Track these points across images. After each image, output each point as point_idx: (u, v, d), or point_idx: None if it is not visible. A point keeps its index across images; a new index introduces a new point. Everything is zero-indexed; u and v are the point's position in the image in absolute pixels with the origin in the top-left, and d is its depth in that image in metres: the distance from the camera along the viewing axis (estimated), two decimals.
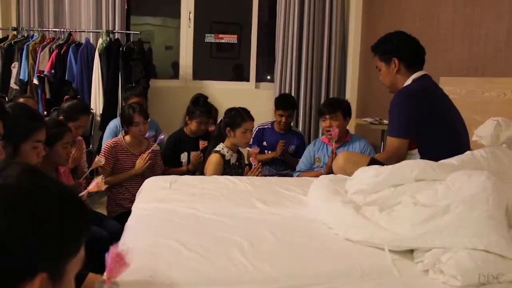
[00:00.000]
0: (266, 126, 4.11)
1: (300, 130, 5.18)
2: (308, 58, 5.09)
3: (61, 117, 3.00)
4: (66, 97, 3.46)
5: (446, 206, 1.41)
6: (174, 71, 5.62)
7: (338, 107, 3.35)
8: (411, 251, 1.44)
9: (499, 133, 2.44)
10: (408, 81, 2.29)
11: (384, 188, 1.74)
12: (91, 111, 4.52)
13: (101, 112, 4.49)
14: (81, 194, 2.09)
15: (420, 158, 2.11)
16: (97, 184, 2.11)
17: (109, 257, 1.04)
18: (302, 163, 3.52)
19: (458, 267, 1.23)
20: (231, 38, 5.52)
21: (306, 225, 1.73)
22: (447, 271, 1.24)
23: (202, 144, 3.49)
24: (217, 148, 3.00)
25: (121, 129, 3.56)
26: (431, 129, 2.16)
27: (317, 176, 2.82)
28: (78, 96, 4.21)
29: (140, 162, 3.15)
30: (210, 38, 5.43)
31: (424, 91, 2.25)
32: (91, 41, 4.68)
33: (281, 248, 1.50)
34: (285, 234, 1.63)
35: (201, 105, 3.64)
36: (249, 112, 3.12)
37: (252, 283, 1.24)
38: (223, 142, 3.02)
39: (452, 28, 3.53)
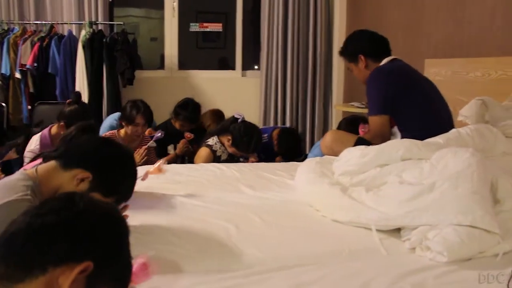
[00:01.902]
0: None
1: (288, 117, 5.17)
2: (294, 44, 5.06)
3: (61, 123, 2.94)
4: (68, 101, 3.40)
5: (431, 184, 1.42)
6: (160, 62, 5.57)
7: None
8: (398, 229, 1.44)
9: (483, 112, 2.45)
10: (382, 63, 2.37)
11: (370, 168, 1.74)
12: None
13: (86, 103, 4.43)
14: (141, 176, 2.03)
15: (401, 136, 2.13)
16: (158, 167, 2.07)
17: (135, 264, 1.03)
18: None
19: (444, 244, 1.23)
20: (216, 27, 5.48)
21: (293, 208, 1.73)
22: (434, 248, 1.24)
23: (188, 136, 3.46)
24: (209, 142, 2.96)
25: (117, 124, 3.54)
26: (407, 103, 2.20)
27: None
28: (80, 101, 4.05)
29: (137, 157, 3.10)
30: (195, 27, 5.38)
31: (397, 68, 2.33)
32: (73, 33, 4.60)
33: (267, 231, 1.50)
34: (272, 217, 1.62)
35: (188, 111, 3.58)
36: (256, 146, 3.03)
37: (239, 267, 1.23)
38: (218, 136, 2.97)
39: (436, 11, 3.53)
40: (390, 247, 1.36)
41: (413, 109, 2.19)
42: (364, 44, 2.43)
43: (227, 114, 5.08)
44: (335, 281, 1.14)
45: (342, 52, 2.53)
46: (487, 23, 3.01)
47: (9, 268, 0.74)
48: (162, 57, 5.37)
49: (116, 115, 3.85)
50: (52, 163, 1.36)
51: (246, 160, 3.04)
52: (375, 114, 2.24)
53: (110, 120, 3.90)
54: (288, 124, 5.18)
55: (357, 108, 3.89)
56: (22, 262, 0.75)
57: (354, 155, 1.79)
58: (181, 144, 3.47)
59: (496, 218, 1.32)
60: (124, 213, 1.47)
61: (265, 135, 3.62)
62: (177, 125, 3.61)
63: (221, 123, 3.16)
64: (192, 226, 1.53)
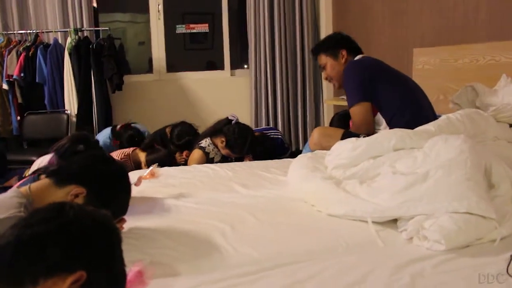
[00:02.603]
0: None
1: (279, 114, 5.15)
2: (281, 41, 5.05)
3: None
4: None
5: (425, 173, 1.40)
6: (149, 66, 5.54)
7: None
8: (394, 221, 1.43)
9: (474, 98, 2.45)
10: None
11: (363, 160, 1.72)
12: (66, 112, 4.44)
13: (76, 112, 4.40)
14: (134, 182, 2.01)
15: (386, 121, 2.14)
16: (151, 172, 2.07)
17: (130, 272, 1.01)
18: None
19: (441, 232, 1.22)
20: (203, 27, 5.45)
21: (287, 205, 1.71)
22: (431, 237, 1.23)
23: (185, 154, 3.33)
24: (202, 144, 2.93)
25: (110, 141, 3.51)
26: (384, 85, 2.25)
27: None
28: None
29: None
30: (181, 29, 5.36)
31: (370, 60, 2.41)
32: (59, 41, 4.56)
33: (262, 230, 1.48)
34: (266, 215, 1.60)
35: (180, 144, 3.36)
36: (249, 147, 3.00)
37: (235, 267, 1.21)
38: (211, 138, 2.95)
39: (420, 1, 3.53)
40: (387, 238, 1.35)
41: (390, 90, 2.25)
42: (345, 41, 2.49)
43: (218, 114, 5.06)
44: (332, 276, 1.12)
45: (318, 48, 2.54)
46: (473, 10, 3.01)
47: (0, 282, 0.72)
48: (149, 61, 5.34)
49: (108, 132, 3.76)
50: (46, 180, 1.35)
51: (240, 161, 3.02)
52: (356, 103, 2.25)
53: (102, 138, 3.80)
54: (280, 122, 5.15)
55: (344, 100, 3.87)
56: (13, 275, 0.73)
57: (345, 148, 1.78)
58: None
59: (492, 203, 1.31)
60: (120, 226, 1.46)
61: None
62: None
63: (214, 124, 3.12)
64: (186, 228, 1.51)
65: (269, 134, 3.44)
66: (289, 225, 1.52)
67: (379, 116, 2.21)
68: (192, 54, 6.16)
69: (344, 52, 2.43)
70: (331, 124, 3.28)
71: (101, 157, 1.53)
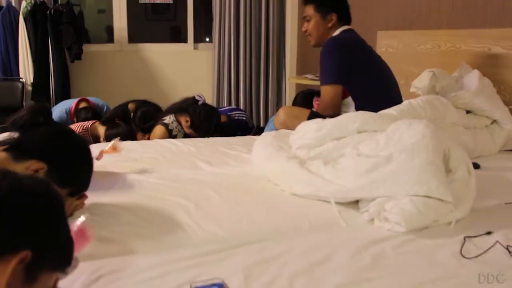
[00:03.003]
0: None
1: (241, 89, 5.12)
2: (246, 16, 5.01)
3: None
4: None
5: (388, 155, 1.44)
6: (108, 36, 5.37)
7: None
8: (356, 202, 1.46)
9: (434, 83, 2.52)
10: (336, 33, 2.36)
11: (327, 141, 1.75)
12: (21, 80, 4.26)
13: (31, 81, 4.23)
14: (95, 156, 1.94)
15: (355, 106, 2.16)
16: (113, 145, 2.00)
17: (72, 230, 0.98)
18: None
19: (402, 214, 1.26)
20: None
21: (252, 183, 1.72)
22: (392, 219, 1.27)
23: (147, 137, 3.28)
24: (166, 121, 2.89)
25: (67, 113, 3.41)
26: (361, 76, 2.24)
27: None
28: None
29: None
30: None
31: (354, 41, 2.34)
32: (13, 3, 4.34)
33: (227, 208, 1.49)
34: (231, 193, 1.61)
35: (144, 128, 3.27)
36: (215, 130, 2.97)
37: (200, 245, 1.22)
38: (175, 115, 2.91)
39: None
40: (349, 219, 1.38)
41: (366, 78, 2.25)
42: (341, 5, 2.39)
43: (180, 88, 5.01)
44: (297, 255, 1.14)
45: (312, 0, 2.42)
46: None
47: None
48: (109, 30, 5.18)
49: (64, 105, 3.64)
50: (2, 154, 1.29)
51: None
52: (328, 83, 2.25)
53: (59, 110, 3.69)
54: (242, 98, 5.14)
55: (310, 80, 3.91)
56: None
57: (310, 128, 1.80)
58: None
59: (449, 187, 1.37)
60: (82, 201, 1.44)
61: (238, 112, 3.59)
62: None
63: (180, 102, 3.07)
64: (150, 205, 1.50)
65: (233, 115, 3.43)
66: (254, 203, 1.53)
67: (349, 99, 2.23)
68: (153, 24, 6.01)
69: (334, 17, 2.36)
70: (294, 103, 3.29)
71: (62, 131, 1.48)
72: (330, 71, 2.27)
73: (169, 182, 1.73)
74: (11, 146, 1.35)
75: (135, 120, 3.26)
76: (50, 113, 1.83)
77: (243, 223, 1.37)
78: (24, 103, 4.25)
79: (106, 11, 5.54)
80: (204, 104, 3.01)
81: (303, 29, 2.47)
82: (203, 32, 5.58)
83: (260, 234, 1.28)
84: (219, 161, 2.04)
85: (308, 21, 2.42)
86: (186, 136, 2.95)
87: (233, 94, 5.14)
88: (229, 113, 3.52)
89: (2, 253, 0.65)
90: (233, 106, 5.05)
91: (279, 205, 1.51)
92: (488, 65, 2.56)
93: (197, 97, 3.02)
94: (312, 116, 2.04)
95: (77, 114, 3.52)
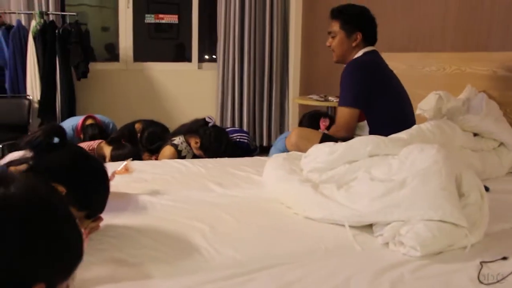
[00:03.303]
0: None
1: (245, 108, 5.15)
2: (251, 36, 5.07)
3: None
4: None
5: (402, 180, 1.46)
6: (110, 53, 5.43)
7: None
8: (370, 225, 1.48)
9: (441, 106, 2.55)
10: (359, 54, 2.35)
11: (339, 165, 1.77)
12: (28, 97, 4.30)
13: (39, 98, 4.27)
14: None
15: (369, 130, 2.18)
16: (125, 166, 2.05)
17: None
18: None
19: (417, 239, 1.28)
20: (172, 18, 5.39)
21: (265, 206, 1.73)
22: (407, 243, 1.29)
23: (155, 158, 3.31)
24: (176, 141, 2.91)
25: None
26: (381, 101, 2.24)
27: None
28: None
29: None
30: (150, 18, 5.28)
31: (376, 64, 2.34)
32: (22, 23, 4.41)
33: (242, 231, 1.50)
34: (245, 216, 1.62)
35: (151, 149, 3.31)
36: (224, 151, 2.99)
37: (218, 269, 1.23)
38: (184, 136, 2.93)
39: (392, 7, 3.62)
40: (364, 243, 1.39)
41: (384, 105, 2.25)
42: (367, 25, 2.36)
43: (184, 107, 5.05)
44: (317, 280, 1.15)
45: (340, 14, 2.38)
46: (441, 21, 3.12)
47: None
48: (110, 47, 5.22)
49: (71, 123, 3.67)
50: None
51: None
52: (347, 105, 2.25)
53: (66, 127, 3.71)
54: (245, 117, 5.16)
55: (315, 101, 3.94)
56: None
57: (322, 151, 1.82)
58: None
59: (463, 212, 1.38)
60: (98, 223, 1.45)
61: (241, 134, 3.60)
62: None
63: (190, 123, 3.09)
64: (165, 227, 1.51)
65: (235, 137, 3.43)
66: (268, 226, 1.54)
67: (364, 122, 2.25)
68: (157, 43, 6.07)
69: (359, 36, 2.34)
70: (300, 124, 3.31)
71: (80, 154, 1.50)
72: (349, 94, 2.26)
73: (181, 204, 1.75)
74: (29, 168, 1.36)
75: (142, 141, 3.28)
76: (65, 134, 1.85)
77: (259, 246, 1.38)
78: (30, 120, 4.28)
79: (110, 29, 5.62)
80: (214, 126, 3.03)
81: (327, 44, 2.44)
82: (205, 50, 5.64)
83: (277, 258, 1.29)
84: (229, 183, 2.05)
85: (333, 37, 2.40)
86: (195, 157, 2.96)
87: (237, 114, 5.18)
88: (230, 135, 3.53)
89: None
90: (236, 126, 5.08)
91: (293, 228, 1.53)
92: (493, 88, 2.60)
93: (207, 119, 3.04)
94: (324, 139, 2.06)
95: (83, 131, 3.55)
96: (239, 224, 1.55)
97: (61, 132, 1.90)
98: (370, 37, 2.39)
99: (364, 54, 2.38)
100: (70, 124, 3.64)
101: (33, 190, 0.72)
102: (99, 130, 3.53)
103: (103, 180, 1.46)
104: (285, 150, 3.18)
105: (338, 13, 2.39)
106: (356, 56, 2.38)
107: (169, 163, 2.48)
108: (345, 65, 2.36)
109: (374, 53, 2.39)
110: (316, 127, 2.91)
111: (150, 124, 3.42)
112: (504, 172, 2.23)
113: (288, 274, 1.19)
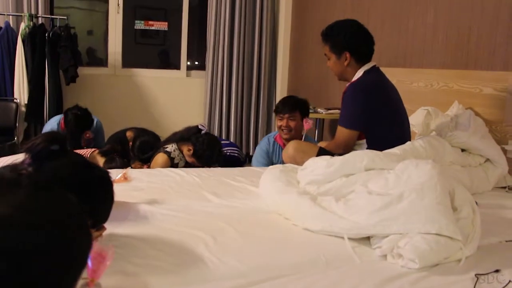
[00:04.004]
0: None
1: (232, 118, 5.20)
2: (240, 46, 5.12)
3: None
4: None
5: (399, 195, 1.51)
6: (89, 58, 5.42)
7: (297, 106, 3.18)
8: (368, 238, 1.52)
9: (429, 121, 2.63)
10: (359, 73, 2.34)
11: (335, 178, 1.82)
12: (15, 100, 4.26)
13: (26, 101, 4.24)
14: None
15: (368, 148, 2.22)
16: (124, 175, 2.05)
17: (91, 257, 1.01)
18: (259, 163, 3.23)
19: (415, 251, 1.33)
20: (162, 25, 5.41)
21: (263, 217, 1.77)
22: (406, 255, 1.34)
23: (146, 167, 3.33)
24: (168, 149, 2.93)
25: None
26: (381, 121, 2.27)
27: None
28: None
29: None
30: (140, 24, 5.29)
31: (376, 84, 2.33)
32: (11, 25, 4.37)
33: (243, 242, 1.53)
34: (244, 226, 1.65)
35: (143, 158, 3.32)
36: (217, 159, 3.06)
37: (224, 279, 1.26)
38: (177, 144, 2.96)
39: (381, 21, 3.71)
40: (363, 255, 1.44)
41: (384, 125, 2.27)
42: (355, 42, 2.33)
43: (172, 114, 5.06)
44: None
45: (327, 38, 2.38)
46: (429, 36, 3.21)
47: None
48: (91, 51, 5.21)
49: (58, 118, 3.72)
50: None
51: None
52: (347, 127, 2.27)
53: (52, 124, 3.75)
54: (232, 125, 5.20)
55: None
56: None
57: (320, 165, 1.87)
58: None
59: (457, 226, 1.44)
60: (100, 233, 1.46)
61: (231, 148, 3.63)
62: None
63: (182, 131, 3.11)
64: (167, 237, 1.53)
65: (226, 151, 3.46)
66: (267, 237, 1.58)
67: (363, 141, 2.29)
68: (142, 48, 6.06)
69: (348, 55, 2.32)
70: None
71: (84, 163, 1.51)
72: (350, 116, 2.28)
73: (181, 214, 1.77)
74: (31, 176, 1.37)
75: (134, 150, 3.28)
76: (66, 142, 1.86)
77: (260, 257, 1.42)
78: (17, 124, 4.24)
79: (93, 32, 5.61)
80: (207, 134, 3.06)
81: (327, 64, 2.45)
82: (192, 57, 5.65)
83: (279, 269, 1.33)
84: (225, 193, 2.08)
85: (328, 59, 2.42)
86: (187, 164, 2.98)
87: (224, 122, 5.22)
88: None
89: None
90: (223, 134, 5.12)
91: (292, 240, 1.57)
92: (479, 105, 2.69)
93: (200, 127, 3.07)
94: (321, 153, 2.10)
95: (65, 119, 3.60)
96: (239, 234, 1.58)
97: (61, 139, 1.91)
98: (361, 54, 2.36)
99: (364, 73, 2.34)
100: (55, 122, 3.69)
101: (43, 190, 0.70)
102: (83, 112, 3.62)
103: (109, 189, 1.47)
104: (267, 148, 3.24)
105: (326, 37, 2.40)
106: (357, 76, 2.36)
107: (163, 172, 2.50)
108: (347, 85, 2.38)
109: (374, 70, 2.37)
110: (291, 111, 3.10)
111: (141, 133, 3.42)
112: (490, 187, 2.31)
113: (290, 285, 1.23)
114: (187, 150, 2.93)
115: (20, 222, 0.60)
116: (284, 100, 3.30)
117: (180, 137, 3.00)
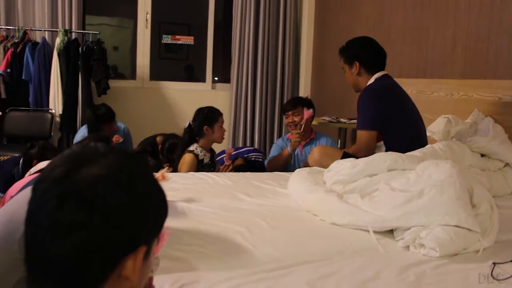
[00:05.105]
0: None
1: (257, 128, 5.36)
2: (264, 59, 5.28)
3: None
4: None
5: (420, 191, 1.63)
6: (112, 72, 5.65)
7: (299, 102, 3.51)
8: (391, 231, 1.64)
9: (449, 128, 2.73)
10: (371, 80, 2.53)
11: (360, 178, 1.94)
12: (50, 111, 4.48)
13: (60, 112, 4.45)
14: None
15: (386, 149, 2.35)
16: (162, 174, 2.10)
17: None
18: (274, 151, 3.60)
19: (436, 241, 1.44)
20: (188, 40, 5.62)
21: (293, 214, 1.90)
22: (427, 244, 1.45)
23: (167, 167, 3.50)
24: (191, 148, 3.10)
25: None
26: (394, 122, 2.40)
27: (285, 155, 3.25)
28: None
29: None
30: (167, 39, 5.50)
31: (386, 88, 2.52)
32: (47, 40, 4.62)
33: (276, 233, 1.66)
34: (276, 221, 1.78)
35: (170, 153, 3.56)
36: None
37: (261, 263, 1.39)
38: (197, 143, 3.13)
39: (402, 34, 3.83)
40: (386, 246, 1.56)
41: (400, 126, 2.41)
42: (364, 53, 2.56)
43: None
44: (349, 273, 1.32)
45: (341, 52, 2.65)
46: (449, 47, 3.33)
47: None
48: (114, 67, 5.43)
49: (84, 130, 3.90)
50: None
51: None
52: (364, 129, 2.42)
53: (83, 131, 3.95)
54: (256, 138, 5.36)
55: (328, 122, 4.12)
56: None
57: (345, 166, 1.99)
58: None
59: (476, 219, 1.55)
60: None
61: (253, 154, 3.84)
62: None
63: (183, 135, 3.27)
64: (207, 229, 1.67)
65: (250, 156, 3.67)
66: (298, 230, 1.71)
67: (381, 143, 2.42)
68: (167, 63, 6.28)
69: (357, 65, 2.55)
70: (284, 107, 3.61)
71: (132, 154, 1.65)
72: (366, 118, 2.44)
73: (217, 211, 1.91)
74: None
75: (163, 151, 3.46)
76: (110, 142, 2.02)
77: (293, 246, 1.55)
78: (52, 133, 4.46)
79: (119, 48, 5.85)
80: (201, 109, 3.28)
81: (346, 78, 2.69)
82: (217, 73, 5.84)
83: (310, 256, 1.46)
84: (256, 193, 2.22)
85: (345, 72, 2.66)
86: (211, 160, 3.18)
87: (248, 134, 5.36)
88: (245, 155, 3.74)
89: (133, 250, 0.71)
90: (248, 145, 5.26)
91: (321, 232, 1.69)
92: (498, 113, 2.78)
93: (188, 123, 3.26)
94: (346, 156, 2.23)
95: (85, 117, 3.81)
96: (272, 227, 1.72)
97: (105, 138, 2.07)
98: (370, 64, 2.57)
99: (376, 80, 2.55)
100: (84, 130, 3.87)
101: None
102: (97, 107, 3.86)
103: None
104: (282, 144, 3.58)
105: (341, 51, 2.67)
106: (369, 82, 2.56)
107: (195, 175, 2.65)
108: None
109: (385, 78, 2.56)
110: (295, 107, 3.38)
111: (170, 137, 3.60)
112: (509, 191, 2.40)
113: (322, 268, 1.36)
114: (210, 132, 3.16)
115: (113, 180, 0.70)
116: (288, 101, 3.72)
117: (189, 138, 3.16)
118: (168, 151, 3.44)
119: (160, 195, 0.78)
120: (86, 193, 0.67)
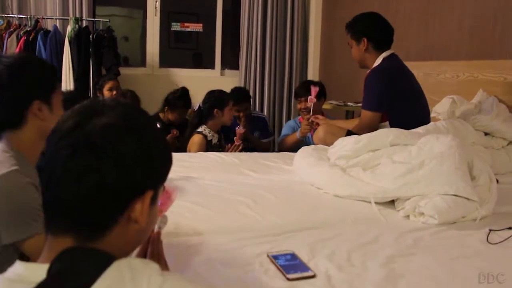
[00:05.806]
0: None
1: (265, 114, 5.41)
2: (272, 45, 5.31)
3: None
4: None
5: (421, 162, 1.68)
6: (125, 61, 5.72)
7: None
8: (392, 202, 1.69)
9: (454, 109, 2.76)
10: (379, 60, 2.51)
11: (363, 153, 1.98)
12: None
13: None
14: None
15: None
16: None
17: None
18: (286, 130, 3.72)
19: (435, 209, 1.49)
20: (197, 27, 5.66)
21: (297, 187, 1.96)
22: (427, 212, 1.50)
23: (174, 133, 3.64)
24: (199, 129, 3.16)
25: None
26: (400, 104, 2.42)
27: (294, 138, 3.31)
28: None
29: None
30: (176, 26, 5.55)
31: (395, 69, 2.50)
32: (58, 28, 4.69)
33: (280, 204, 1.72)
34: (280, 193, 1.84)
35: (185, 100, 3.95)
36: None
37: (264, 229, 1.45)
38: (205, 124, 3.19)
39: (409, 17, 3.85)
40: (388, 216, 1.61)
41: (405, 108, 2.42)
42: (372, 29, 2.54)
43: None
44: (349, 237, 1.37)
45: (349, 27, 2.63)
46: (455, 29, 3.34)
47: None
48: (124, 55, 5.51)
49: None
50: None
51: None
52: (369, 109, 2.44)
53: None
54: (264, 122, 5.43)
55: (336, 106, 4.16)
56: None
57: (348, 142, 2.04)
58: (170, 139, 3.64)
59: (474, 189, 1.60)
60: None
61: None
62: (172, 116, 3.91)
63: (193, 117, 3.39)
64: (214, 200, 1.74)
65: (254, 114, 3.82)
66: (302, 201, 1.77)
67: (386, 123, 2.44)
68: (176, 51, 6.33)
69: (365, 41, 2.51)
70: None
71: None
72: (372, 99, 2.46)
73: (224, 184, 1.97)
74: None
75: (168, 98, 4.03)
76: None
77: (297, 215, 1.61)
78: None
79: (129, 39, 5.91)
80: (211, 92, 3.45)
81: (352, 53, 2.68)
82: (225, 59, 5.88)
83: (313, 223, 1.52)
84: (262, 170, 2.28)
85: (351, 47, 2.64)
86: (220, 141, 3.27)
87: None
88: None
89: (141, 194, 0.77)
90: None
91: (324, 204, 1.75)
92: (503, 93, 2.80)
93: (198, 105, 3.38)
94: (349, 135, 2.27)
95: None
96: (277, 199, 1.78)
97: None
98: (378, 40, 2.55)
99: (383, 60, 2.53)
100: None
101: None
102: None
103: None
104: (293, 125, 3.72)
105: (348, 26, 2.66)
106: (376, 63, 2.54)
107: (204, 155, 2.72)
108: (367, 71, 2.57)
109: (393, 57, 2.55)
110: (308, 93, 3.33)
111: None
112: None
113: (324, 233, 1.41)
114: (221, 115, 3.22)
115: (121, 129, 0.75)
116: (301, 85, 3.80)
117: (199, 120, 3.26)
118: (172, 93, 3.98)
119: (164, 144, 0.84)
120: (96, 140, 0.73)
